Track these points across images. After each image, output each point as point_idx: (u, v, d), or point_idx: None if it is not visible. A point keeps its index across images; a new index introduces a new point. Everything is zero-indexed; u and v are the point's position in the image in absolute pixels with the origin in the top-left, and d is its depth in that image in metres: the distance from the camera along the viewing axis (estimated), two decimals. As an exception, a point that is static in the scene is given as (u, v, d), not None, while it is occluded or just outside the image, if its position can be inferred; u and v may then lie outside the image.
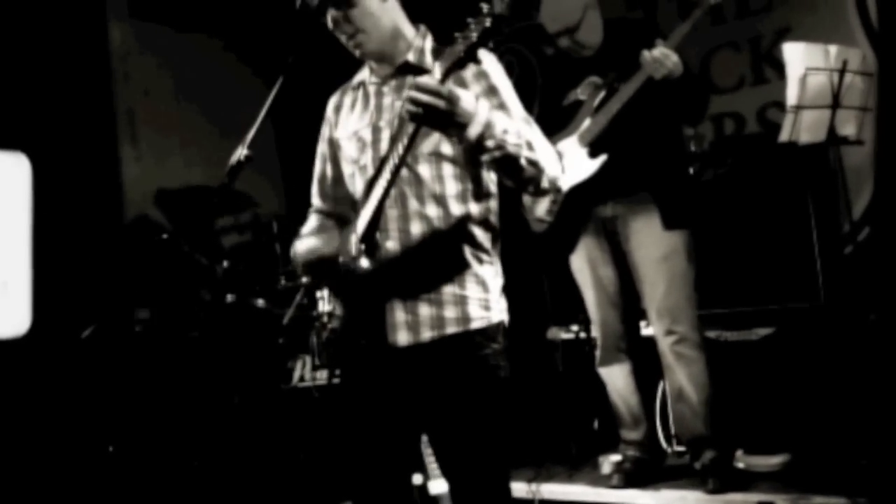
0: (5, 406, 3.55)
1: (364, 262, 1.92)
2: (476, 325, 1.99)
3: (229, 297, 3.99)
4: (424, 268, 1.98)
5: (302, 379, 4.04)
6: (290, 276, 4.20)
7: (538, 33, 5.21)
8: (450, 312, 1.97)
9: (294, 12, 2.23)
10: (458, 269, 1.99)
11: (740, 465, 3.32)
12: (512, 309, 2.14)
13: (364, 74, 2.18)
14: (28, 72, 4.23)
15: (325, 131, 2.26)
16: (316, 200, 2.30)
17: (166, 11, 5.15)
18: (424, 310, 1.97)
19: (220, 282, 4.02)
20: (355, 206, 2.10)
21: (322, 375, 3.95)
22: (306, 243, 2.16)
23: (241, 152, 2.20)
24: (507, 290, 2.13)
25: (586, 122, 3.16)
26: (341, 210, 2.21)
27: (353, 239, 1.96)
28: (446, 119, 1.78)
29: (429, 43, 2.11)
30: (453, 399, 1.97)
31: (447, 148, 1.99)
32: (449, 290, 1.98)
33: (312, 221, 2.26)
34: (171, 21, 5.18)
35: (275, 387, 4.00)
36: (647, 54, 2.97)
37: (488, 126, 1.82)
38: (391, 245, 1.99)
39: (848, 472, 3.03)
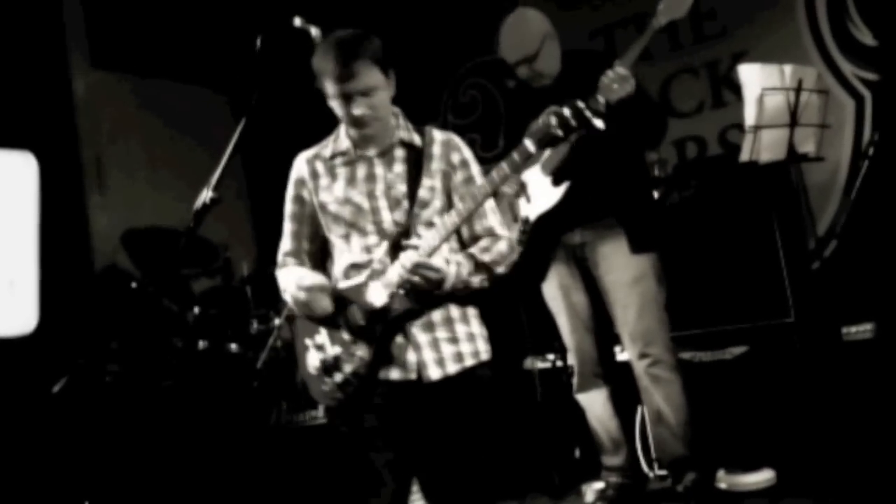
0: (13, 403, 3.58)
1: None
2: (483, 357, 2.32)
3: (201, 344, 3.96)
4: (438, 312, 2.27)
5: (279, 422, 4.01)
6: (262, 319, 4.17)
7: (500, 67, 5.27)
8: (465, 348, 2.28)
9: (255, 53, 2.25)
10: (464, 311, 2.31)
11: (722, 485, 3.31)
12: (489, 340, 2.38)
13: (343, 145, 2.33)
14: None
15: (300, 193, 2.38)
16: (290, 255, 2.42)
17: (128, 60, 5.16)
18: (446, 347, 2.26)
19: (192, 328, 3.98)
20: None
21: (307, 416, 3.95)
22: (313, 279, 2.29)
23: (206, 195, 2.20)
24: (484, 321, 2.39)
25: (548, 151, 3.16)
26: (312, 262, 2.41)
27: (381, 290, 2.21)
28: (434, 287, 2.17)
29: (402, 118, 2.36)
30: (471, 424, 2.28)
31: (437, 219, 2.26)
32: (461, 329, 2.29)
33: (303, 269, 2.38)
34: (134, 69, 5.18)
35: (251, 431, 3.95)
36: (604, 78, 3.00)
37: (460, 281, 2.21)
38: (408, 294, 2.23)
39: (830, 486, 3.04)
